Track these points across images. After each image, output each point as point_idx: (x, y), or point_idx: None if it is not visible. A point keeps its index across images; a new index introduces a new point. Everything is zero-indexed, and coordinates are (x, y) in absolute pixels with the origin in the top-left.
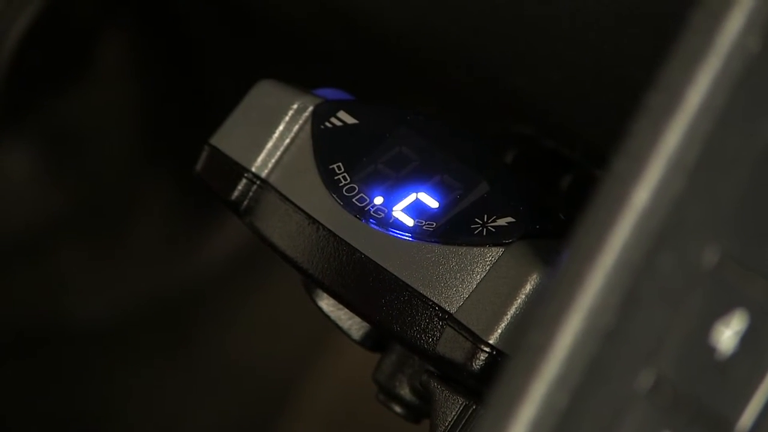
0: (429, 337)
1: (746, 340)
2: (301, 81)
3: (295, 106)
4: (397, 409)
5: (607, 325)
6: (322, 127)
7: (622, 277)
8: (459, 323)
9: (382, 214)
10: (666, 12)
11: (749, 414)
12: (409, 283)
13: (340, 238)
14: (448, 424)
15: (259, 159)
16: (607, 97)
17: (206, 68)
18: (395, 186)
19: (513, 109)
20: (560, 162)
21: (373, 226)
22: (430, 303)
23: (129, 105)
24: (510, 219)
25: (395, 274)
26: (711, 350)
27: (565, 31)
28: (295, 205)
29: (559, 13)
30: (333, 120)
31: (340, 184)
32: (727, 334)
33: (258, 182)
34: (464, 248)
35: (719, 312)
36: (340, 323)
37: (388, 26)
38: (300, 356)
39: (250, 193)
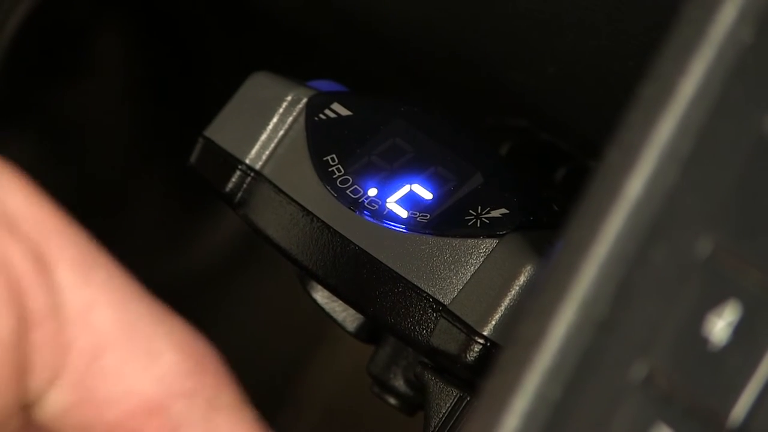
0: (423, 329)
1: (739, 330)
2: (296, 73)
3: (289, 98)
4: (392, 401)
5: (601, 316)
6: (316, 118)
7: (615, 268)
8: (453, 315)
9: (376, 206)
10: (661, 5)
11: (742, 404)
12: (403, 275)
13: (334, 229)
14: (443, 416)
15: (253, 151)
16: (602, 91)
17: (202, 60)
18: (389, 178)
19: (508, 102)
20: (555, 154)
21: (367, 217)
22: (424, 295)
23: (124, 98)
24: (504, 210)
25: (389, 265)
26: (704, 341)
27: (560, 25)
28: (289, 197)
29: (554, 8)
30: (327, 112)
31: (334, 176)
32: (720, 325)
33: (252, 174)
34: (458, 240)
35: (712, 303)
36: (335, 315)
37: (383, 19)
38: (296, 349)
39: (244, 185)
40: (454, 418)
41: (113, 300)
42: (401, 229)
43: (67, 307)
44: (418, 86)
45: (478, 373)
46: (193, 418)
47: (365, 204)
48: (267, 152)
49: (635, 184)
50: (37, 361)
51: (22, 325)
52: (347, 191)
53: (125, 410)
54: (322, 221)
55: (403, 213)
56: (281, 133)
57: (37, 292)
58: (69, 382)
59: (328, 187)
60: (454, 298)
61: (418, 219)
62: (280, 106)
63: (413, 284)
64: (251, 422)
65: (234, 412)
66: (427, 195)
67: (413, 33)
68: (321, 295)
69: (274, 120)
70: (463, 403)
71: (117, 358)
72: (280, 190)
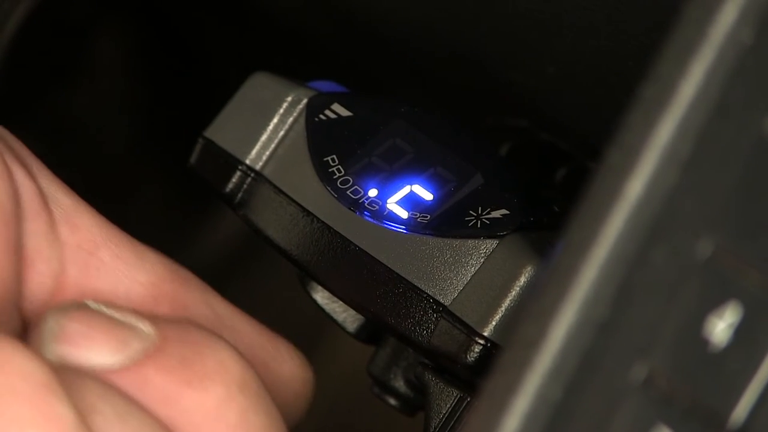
0: (423, 330)
1: (740, 332)
2: (296, 74)
3: (289, 99)
4: (392, 401)
5: (601, 317)
6: (317, 119)
7: (615, 269)
8: (453, 315)
9: (377, 207)
10: (662, 5)
11: (743, 406)
12: (404, 276)
13: (335, 230)
14: (443, 416)
15: (254, 151)
16: (602, 91)
17: (202, 61)
18: (389, 178)
19: (508, 103)
20: (555, 155)
21: (367, 218)
22: (425, 295)
23: (124, 99)
24: (504, 211)
25: (389, 266)
26: (704, 342)
27: (560, 26)
28: (289, 198)
29: (555, 8)
30: (327, 112)
31: (334, 177)
32: (721, 327)
33: (252, 175)
34: (458, 240)
35: (713, 304)
36: (335, 316)
37: (384, 19)
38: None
39: (245, 186)
40: (455, 418)
41: (91, 209)
42: (401, 230)
43: (54, 207)
44: (418, 86)
45: (478, 374)
46: (194, 299)
47: (365, 205)
48: (267, 153)
49: (635, 185)
50: (36, 254)
51: (18, 210)
52: (347, 192)
53: (133, 302)
54: (323, 222)
55: (403, 214)
56: (281, 133)
57: (27, 184)
58: (73, 279)
59: (329, 188)
60: (454, 298)
61: (418, 220)
62: (280, 106)
63: (413, 285)
64: (234, 306)
65: (219, 296)
66: (427, 196)
67: (413, 33)
68: (321, 296)
69: (275, 120)
70: (464, 404)
71: (110, 254)
72: (281, 191)
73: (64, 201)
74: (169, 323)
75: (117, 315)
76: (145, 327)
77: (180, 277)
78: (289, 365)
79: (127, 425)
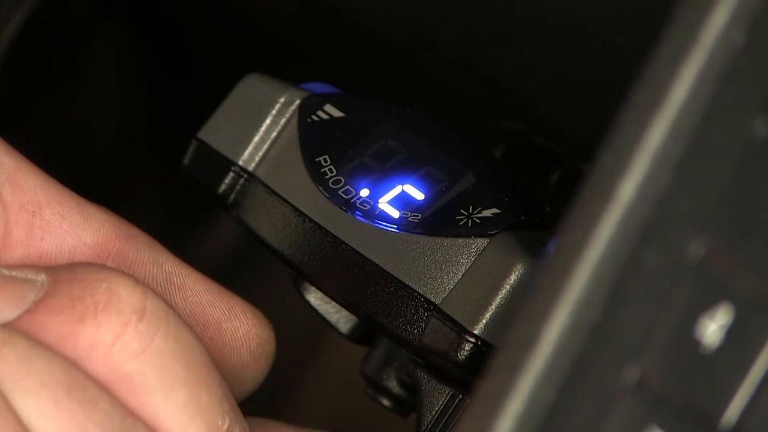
0: (414, 328)
1: (731, 333)
2: (289, 75)
3: (282, 100)
4: (386, 402)
5: (593, 319)
6: (309, 120)
7: (608, 271)
8: (444, 314)
9: (368, 206)
10: (656, 9)
11: (735, 407)
12: (395, 275)
13: (326, 230)
14: (435, 413)
15: (246, 152)
16: (597, 95)
17: (200, 66)
18: (381, 178)
19: (502, 106)
20: (549, 158)
21: (359, 218)
22: (416, 294)
23: (122, 104)
24: (495, 210)
25: (381, 265)
26: (696, 344)
27: (555, 30)
28: (282, 198)
29: (550, 12)
30: (320, 113)
31: (326, 177)
32: (713, 328)
33: (245, 175)
34: (449, 239)
35: (705, 306)
36: (328, 317)
37: (378, 22)
38: (292, 355)
39: (237, 187)
40: (447, 415)
41: (36, 169)
42: (393, 229)
43: None
44: (413, 90)
45: (469, 372)
46: (141, 257)
47: (357, 204)
48: (260, 153)
49: (628, 188)
50: None
51: None
52: (339, 192)
53: (78, 260)
54: (315, 222)
55: (395, 213)
56: (274, 134)
57: None
58: (17, 241)
59: (321, 188)
60: (445, 297)
61: (409, 219)
62: (273, 107)
63: (405, 284)
64: (188, 265)
65: (171, 255)
66: (418, 195)
67: (409, 37)
68: (314, 297)
69: (267, 121)
70: (456, 401)
71: (55, 214)
72: (273, 191)
73: (6, 161)
74: (62, 267)
75: (13, 273)
76: (39, 277)
77: (127, 236)
78: (244, 324)
79: (32, 366)
